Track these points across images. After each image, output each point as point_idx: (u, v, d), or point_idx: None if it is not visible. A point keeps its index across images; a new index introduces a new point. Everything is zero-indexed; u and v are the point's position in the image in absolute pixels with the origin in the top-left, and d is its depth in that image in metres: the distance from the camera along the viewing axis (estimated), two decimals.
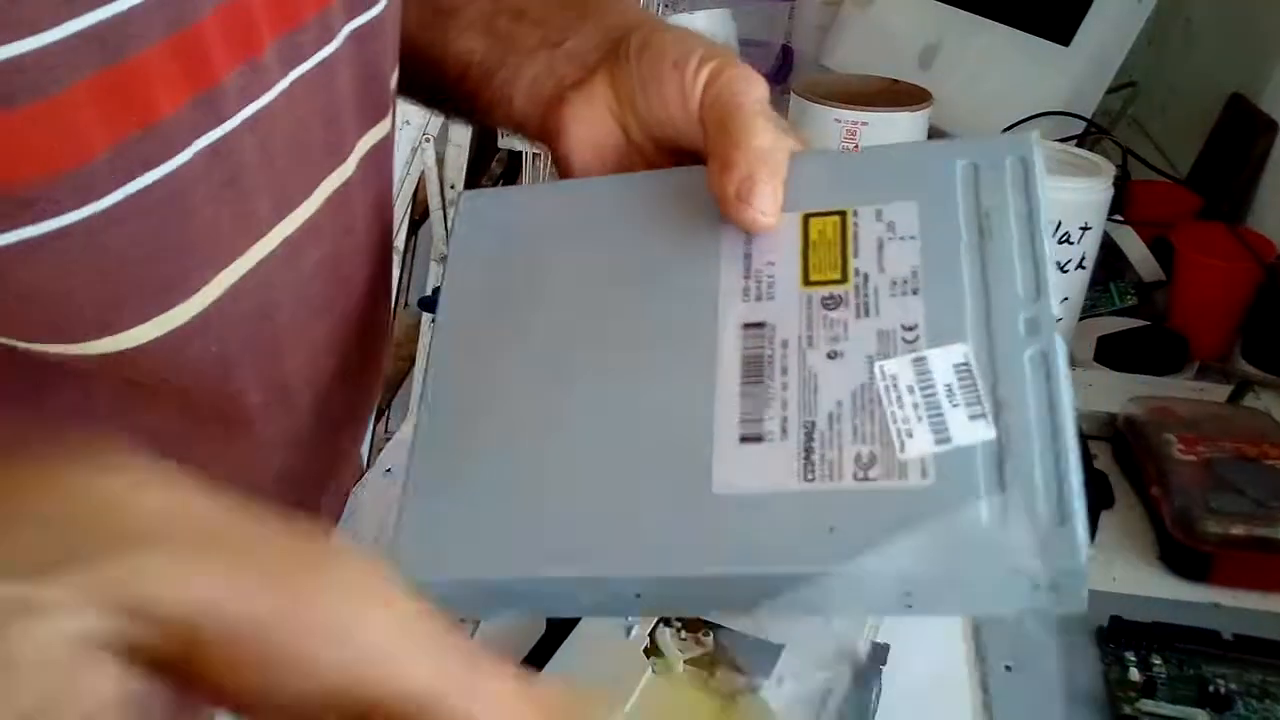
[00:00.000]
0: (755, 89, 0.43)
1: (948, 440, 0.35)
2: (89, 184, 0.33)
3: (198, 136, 0.36)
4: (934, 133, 0.99)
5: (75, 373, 0.37)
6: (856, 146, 0.88)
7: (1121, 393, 0.80)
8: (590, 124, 0.48)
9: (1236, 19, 1.15)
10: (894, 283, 0.39)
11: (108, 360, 0.36)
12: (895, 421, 0.36)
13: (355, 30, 0.43)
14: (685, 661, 0.54)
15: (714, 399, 0.39)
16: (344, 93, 0.44)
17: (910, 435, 0.36)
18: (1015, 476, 0.34)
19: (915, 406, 0.36)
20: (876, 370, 0.37)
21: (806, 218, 0.41)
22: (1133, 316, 0.95)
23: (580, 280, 0.43)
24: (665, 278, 0.42)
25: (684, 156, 0.46)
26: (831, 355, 0.38)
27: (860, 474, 0.36)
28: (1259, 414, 0.76)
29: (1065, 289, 0.85)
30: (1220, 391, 0.82)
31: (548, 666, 0.52)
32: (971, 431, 0.35)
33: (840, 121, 0.89)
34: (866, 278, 0.39)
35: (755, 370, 0.39)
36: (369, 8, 0.44)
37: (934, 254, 0.39)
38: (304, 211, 0.42)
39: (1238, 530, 0.64)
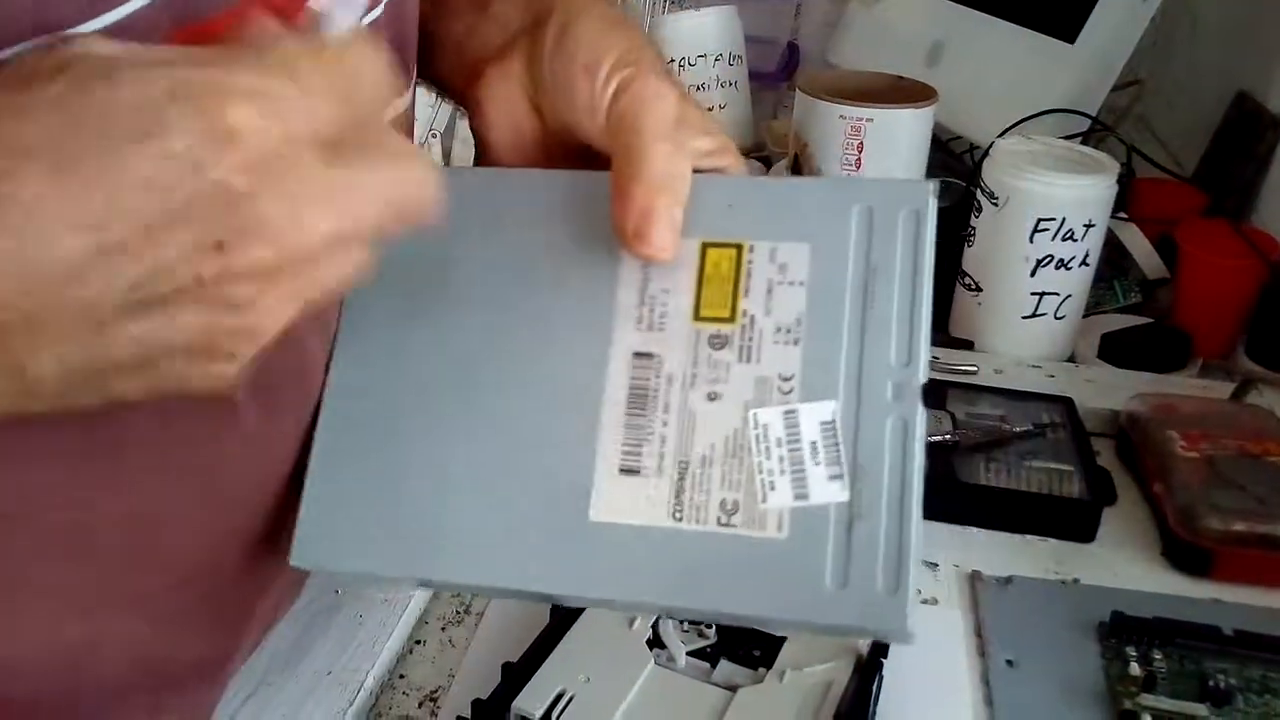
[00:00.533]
0: (661, 106, 0.42)
1: (805, 497, 0.38)
2: None
3: None
4: (939, 129, 0.99)
5: None
6: (861, 144, 0.89)
7: (1125, 390, 0.80)
8: (507, 104, 0.47)
9: (1242, 17, 1.15)
10: (778, 329, 0.40)
11: None
12: (761, 472, 0.39)
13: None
14: (688, 653, 0.54)
15: (599, 425, 0.41)
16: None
17: (773, 488, 0.38)
18: (860, 542, 0.37)
19: (781, 460, 0.39)
20: (750, 418, 0.40)
21: (705, 247, 0.42)
22: (1136, 314, 0.95)
23: (486, 277, 0.44)
24: (566, 287, 0.43)
25: (593, 155, 0.45)
26: (711, 397, 0.40)
27: (724, 519, 0.39)
28: (1262, 411, 0.76)
29: (1069, 286, 0.85)
30: (1223, 389, 0.82)
31: (550, 657, 0.52)
32: (828, 491, 0.38)
33: (845, 118, 0.89)
34: (753, 320, 0.41)
35: (640, 403, 0.41)
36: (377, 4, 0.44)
37: (819, 305, 0.40)
38: None
39: (1239, 527, 0.64)
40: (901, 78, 0.97)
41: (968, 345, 0.88)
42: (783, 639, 0.54)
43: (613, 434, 0.40)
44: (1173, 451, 0.70)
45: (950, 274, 0.91)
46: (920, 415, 0.38)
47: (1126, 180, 0.98)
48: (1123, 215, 0.99)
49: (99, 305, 0.27)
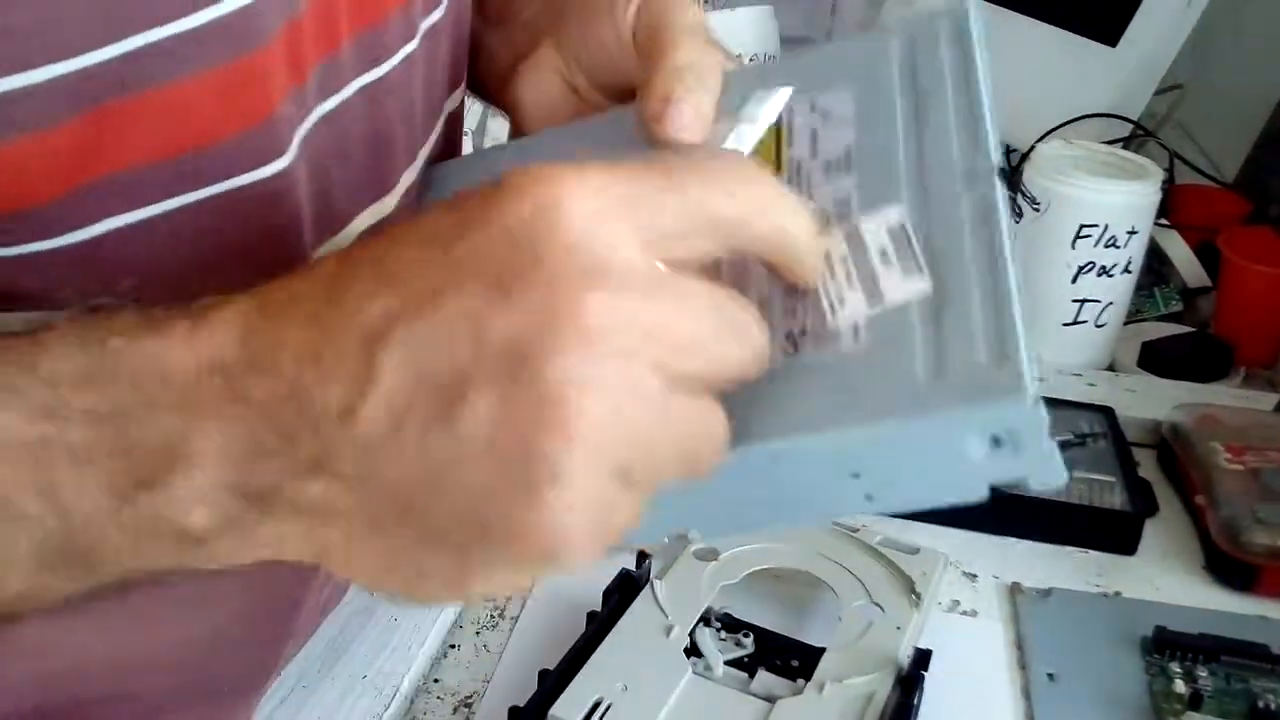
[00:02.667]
0: (684, 11, 0.43)
1: (880, 301, 0.34)
2: (206, 168, 0.33)
3: (298, 127, 0.36)
4: None
5: None
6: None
7: (1166, 400, 0.79)
8: (541, 89, 0.47)
9: None
10: (827, 164, 0.38)
11: None
12: (827, 294, 0.34)
13: (430, 28, 0.44)
14: (725, 663, 0.54)
15: None
16: (420, 90, 0.44)
17: (842, 303, 0.34)
18: (953, 325, 0.32)
19: (848, 275, 0.35)
20: None
21: (737, 121, 0.40)
22: (1177, 322, 0.94)
23: None
24: None
25: (632, 98, 0.45)
26: None
27: (790, 349, 0.34)
28: None
29: (1111, 293, 0.84)
30: (1266, 399, 0.81)
31: (587, 664, 0.52)
32: (906, 288, 0.33)
33: None
34: (800, 165, 0.38)
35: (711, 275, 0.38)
36: (437, 6, 0.44)
37: (869, 133, 0.38)
38: (382, 208, 0.43)
39: None
40: None
41: None
42: (822, 650, 0.54)
43: None
44: (1217, 463, 0.69)
45: None
46: (1000, 190, 0.34)
47: (1168, 187, 0.96)
48: (1164, 222, 0.97)
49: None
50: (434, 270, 0.27)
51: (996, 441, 0.30)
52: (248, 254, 0.35)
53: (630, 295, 0.27)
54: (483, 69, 0.52)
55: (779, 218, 0.31)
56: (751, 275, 0.36)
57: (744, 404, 0.32)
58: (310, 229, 0.38)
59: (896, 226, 0.35)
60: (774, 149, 0.40)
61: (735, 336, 0.29)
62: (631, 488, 0.27)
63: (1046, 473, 0.31)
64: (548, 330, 0.26)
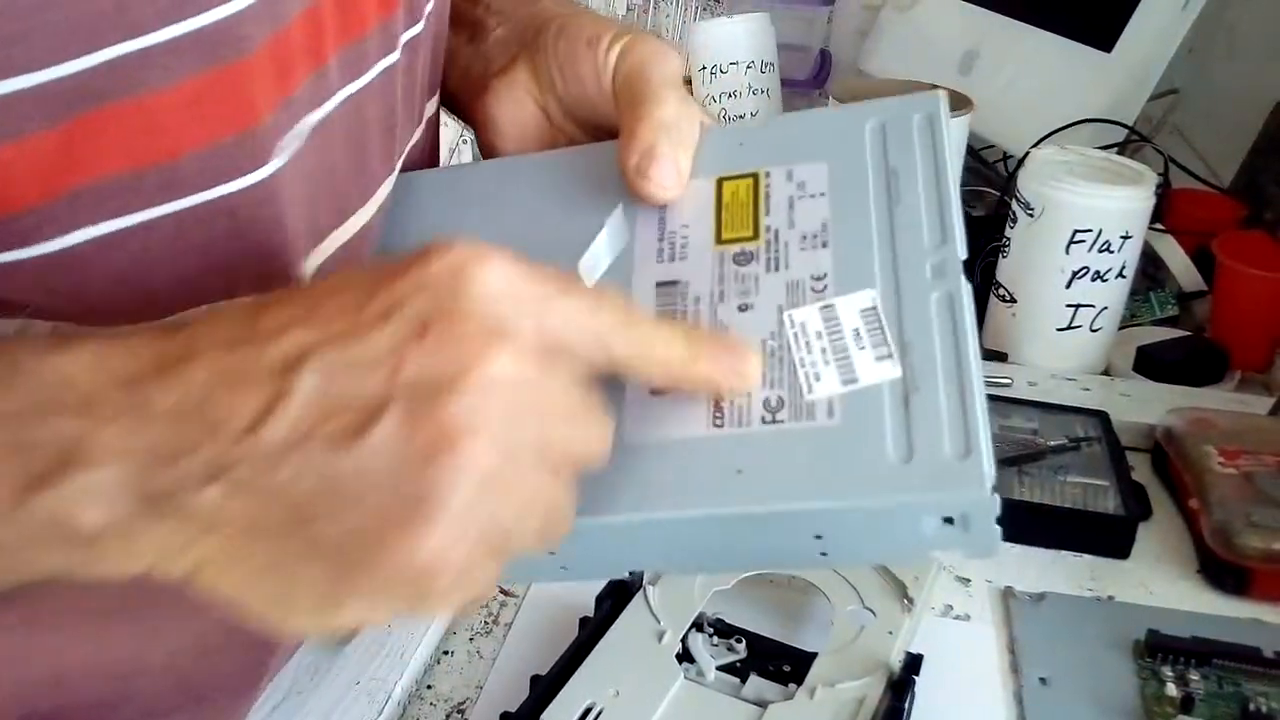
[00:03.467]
0: (666, 63, 0.44)
1: (854, 381, 0.36)
2: (178, 180, 0.34)
3: (280, 138, 0.37)
4: (972, 138, 0.98)
5: None
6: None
7: (1160, 404, 0.79)
8: (512, 108, 0.49)
9: None
10: (804, 237, 0.40)
11: None
12: (803, 366, 0.37)
13: (410, 40, 0.44)
14: (717, 668, 0.54)
15: None
16: (400, 101, 0.45)
17: (818, 379, 0.36)
18: (920, 413, 0.35)
19: (823, 351, 0.37)
20: (785, 319, 0.38)
21: (720, 181, 0.42)
22: (1173, 326, 0.94)
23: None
24: (580, 244, 0.42)
25: (603, 134, 0.47)
26: (742, 308, 0.39)
27: (768, 417, 0.36)
28: None
29: (1105, 298, 0.84)
30: (1261, 404, 0.81)
31: (579, 670, 0.52)
32: (878, 371, 0.36)
33: None
34: (777, 234, 0.40)
35: None
36: (417, 21, 0.45)
37: (843, 209, 0.40)
38: (359, 219, 0.43)
39: (1278, 545, 0.63)
40: (935, 86, 0.96)
41: (1001, 358, 0.87)
42: (813, 655, 0.54)
43: None
44: (1210, 467, 0.69)
45: (984, 285, 0.90)
46: (965, 288, 0.37)
47: (1163, 191, 0.96)
48: (1159, 226, 0.97)
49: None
50: (357, 311, 0.29)
51: (949, 520, 0.34)
52: (230, 264, 0.35)
53: (528, 365, 0.30)
54: (454, 83, 0.53)
55: (650, 351, 0.34)
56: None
57: (725, 468, 0.35)
58: (295, 240, 0.38)
59: (869, 309, 0.37)
60: (751, 215, 0.41)
61: (593, 427, 0.32)
62: (495, 552, 0.30)
63: (985, 547, 0.34)
64: (459, 373, 0.28)
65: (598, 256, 0.42)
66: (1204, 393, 0.84)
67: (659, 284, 0.41)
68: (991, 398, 0.79)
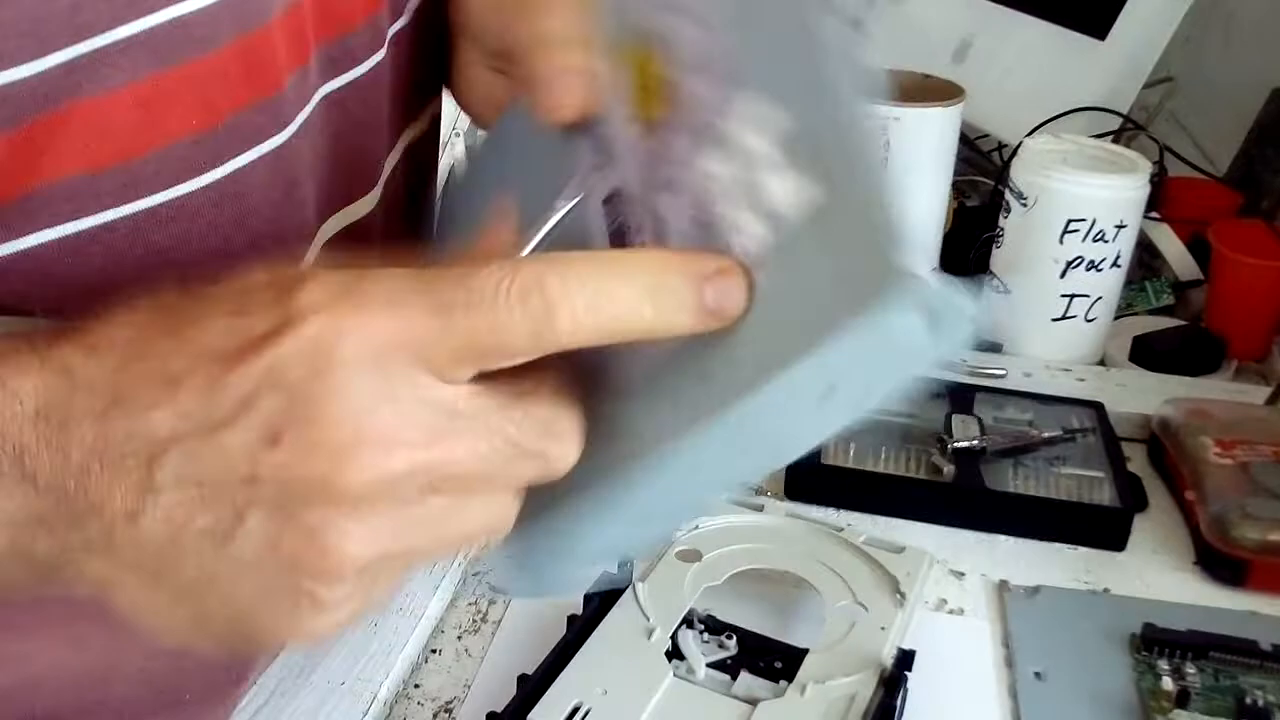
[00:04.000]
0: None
1: (777, 215, 0.33)
2: (134, 181, 0.33)
3: (261, 141, 0.36)
4: (966, 127, 0.97)
5: None
6: (888, 143, 0.87)
7: (1156, 394, 0.78)
8: (475, 85, 0.48)
9: (1277, 12, 1.12)
10: (711, 86, 0.36)
11: None
12: (725, 221, 0.34)
13: (395, 34, 0.43)
14: (708, 665, 0.53)
15: None
16: (386, 99, 0.44)
17: (739, 230, 0.33)
18: (846, 228, 0.32)
19: (741, 195, 0.34)
20: (702, 177, 0.35)
21: (632, 56, 0.39)
22: (1169, 316, 0.93)
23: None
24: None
25: None
26: (669, 187, 0.36)
27: None
28: None
29: (1100, 288, 0.84)
30: (1258, 393, 0.80)
31: (567, 669, 0.51)
32: (801, 195, 0.33)
33: None
34: (692, 94, 0.37)
35: (619, 240, 0.37)
36: (400, 15, 0.44)
37: (750, 38, 0.37)
38: (351, 212, 0.42)
39: (1276, 536, 0.63)
40: (928, 75, 0.95)
41: (996, 348, 0.87)
42: (804, 651, 0.53)
43: None
44: (1206, 458, 0.69)
45: (978, 275, 0.90)
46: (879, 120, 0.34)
47: (1158, 180, 0.96)
48: (1154, 215, 0.97)
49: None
50: (211, 392, 0.28)
51: (933, 317, 0.30)
52: (195, 266, 0.35)
53: (401, 447, 0.28)
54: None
55: (538, 340, 0.29)
56: (670, 229, 0.35)
57: (697, 373, 0.32)
58: (275, 235, 0.38)
59: (782, 134, 0.34)
60: (659, 83, 0.38)
61: (533, 452, 0.30)
62: (390, 581, 0.30)
63: (956, 330, 0.30)
64: (316, 486, 0.27)
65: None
66: (1200, 382, 0.83)
67: (604, 201, 0.38)
68: (986, 389, 0.79)
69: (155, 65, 0.32)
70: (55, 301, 0.32)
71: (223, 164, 0.35)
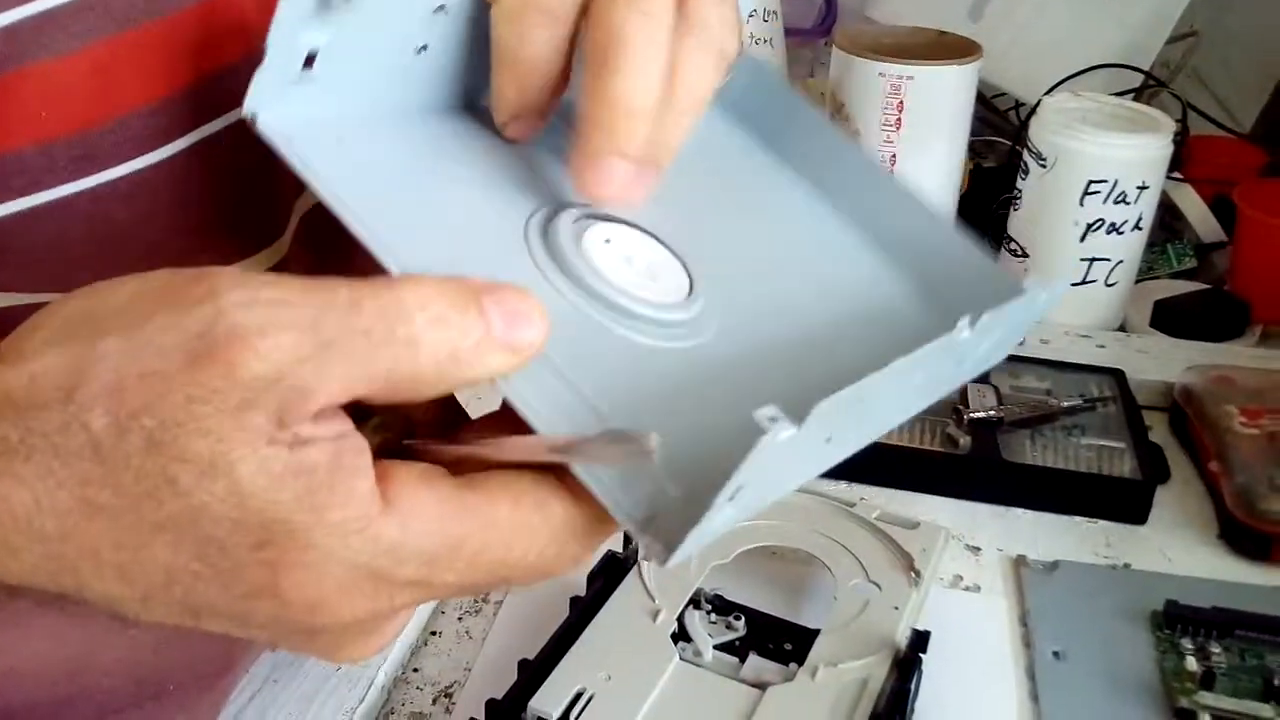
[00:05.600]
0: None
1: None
2: (91, 153, 0.31)
3: (231, 109, 0.34)
4: (983, 86, 0.94)
5: None
6: (901, 104, 0.84)
7: (1179, 361, 0.76)
8: None
9: None
10: None
11: None
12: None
13: None
14: (715, 647, 0.51)
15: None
16: None
17: None
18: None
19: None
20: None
21: None
22: (1191, 279, 0.91)
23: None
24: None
25: None
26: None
27: None
28: None
29: (1121, 251, 0.81)
30: None
31: (569, 653, 0.50)
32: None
33: (885, 76, 0.84)
34: None
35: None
36: None
37: None
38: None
39: None
40: (944, 33, 0.92)
41: None
42: (815, 632, 0.51)
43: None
44: (1231, 427, 0.67)
45: (995, 239, 0.87)
46: None
47: (1180, 139, 0.93)
48: (1176, 175, 0.94)
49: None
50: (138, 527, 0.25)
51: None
52: (148, 240, 0.33)
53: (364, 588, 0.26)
54: None
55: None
56: None
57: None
58: (248, 210, 0.36)
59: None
60: None
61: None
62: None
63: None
64: (295, 627, 0.27)
65: None
66: (1224, 348, 0.81)
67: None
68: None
69: (112, 28, 0.30)
70: (9, 280, 0.31)
71: (186, 134, 0.33)
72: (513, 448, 0.29)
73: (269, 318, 0.24)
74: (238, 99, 0.35)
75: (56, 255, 0.31)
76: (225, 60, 0.34)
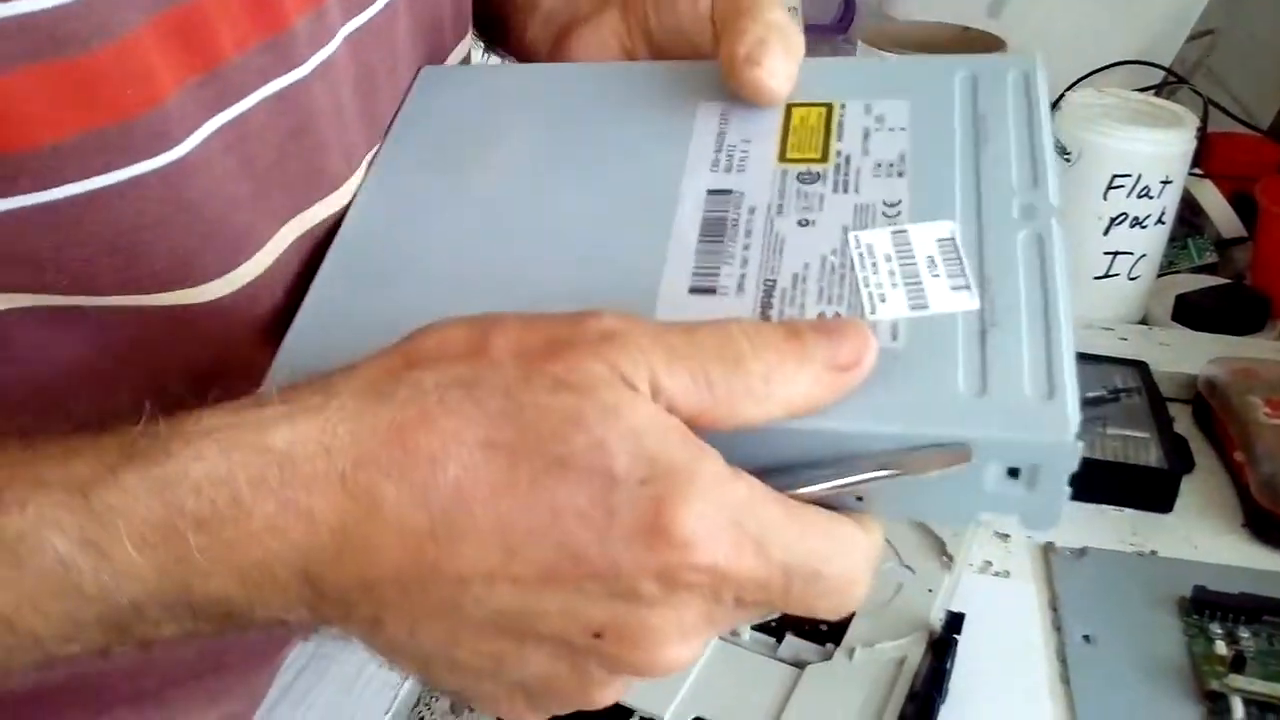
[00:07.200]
0: None
1: (924, 307, 0.33)
2: (162, 129, 0.32)
3: (265, 81, 0.34)
4: None
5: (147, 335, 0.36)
6: None
7: (1201, 354, 0.77)
8: (598, 51, 0.47)
9: None
10: (878, 165, 0.38)
11: (175, 313, 0.35)
12: (867, 285, 0.34)
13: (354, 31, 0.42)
14: (752, 627, 0.52)
15: (666, 254, 0.36)
16: (404, 41, 0.42)
17: (883, 300, 0.33)
18: (999, 349, 0.31)
19: (891, 274, 0.34)
20: (850, 239, 0.35)
21: (790, 107, 0.40)
22: (1212, 274, 0.91)
23: (535, 151, 0.41)
24: (629, 157, 0.40)
25: None
26: (803, 223, 0.36)
27: None
28: None
29: (1143, 245, 0.82)
30: None
31: None
32: (953, 301, 0.33)
33: None
34: (848, 159, 0.38)
35: (716, 231, 0.37)
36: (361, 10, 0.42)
37: (924, 144, 0.38)
38: (326, 206, 0.41)
39: None
40: (967, 28, 0.93)
41: None
42: (851, 614, 0.52)
43: (681, 260, 0.36)
44: (1255, 418, 0.67)
45: None
46: (1057, 233, 0.34)
47: (1201, 135, 0.94)
48: (1197, 171, 0.95)
49: (467, 612, 0.28)
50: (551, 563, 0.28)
51: (1014, 473, 0.30)
52: (218, 224, 0.34)
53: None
54: (534, 31, 0.51)
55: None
56: (786, 255, 0.36)
57: None
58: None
59: (947, 239, 0.34)
60: (821, 140, 0.39)
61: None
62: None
63: (1049, 510, 0.31)
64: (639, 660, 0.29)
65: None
66: (1245, 342, 0.81)
67: (710, 191, 0.38)
68: None
69: (56, 51, 0.29)
70: (76, 253, 0.32)
71: (230, 105, 0.33)
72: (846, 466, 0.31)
73: (631, 323, 0.29)
74: (277, 70, 0.35)
75: (126, 232, 0.32)
76: (271, 31, 0.34)
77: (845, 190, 0.37)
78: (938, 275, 0.34)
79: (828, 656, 0.50)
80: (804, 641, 0.52)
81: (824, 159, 0.38)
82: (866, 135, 0.39)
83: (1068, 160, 0.81)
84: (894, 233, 0.35)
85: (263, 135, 0.35)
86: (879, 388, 0.31)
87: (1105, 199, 0.80)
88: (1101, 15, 1.05)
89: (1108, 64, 0.99)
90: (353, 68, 0.39)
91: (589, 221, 0.38)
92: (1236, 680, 0.51)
